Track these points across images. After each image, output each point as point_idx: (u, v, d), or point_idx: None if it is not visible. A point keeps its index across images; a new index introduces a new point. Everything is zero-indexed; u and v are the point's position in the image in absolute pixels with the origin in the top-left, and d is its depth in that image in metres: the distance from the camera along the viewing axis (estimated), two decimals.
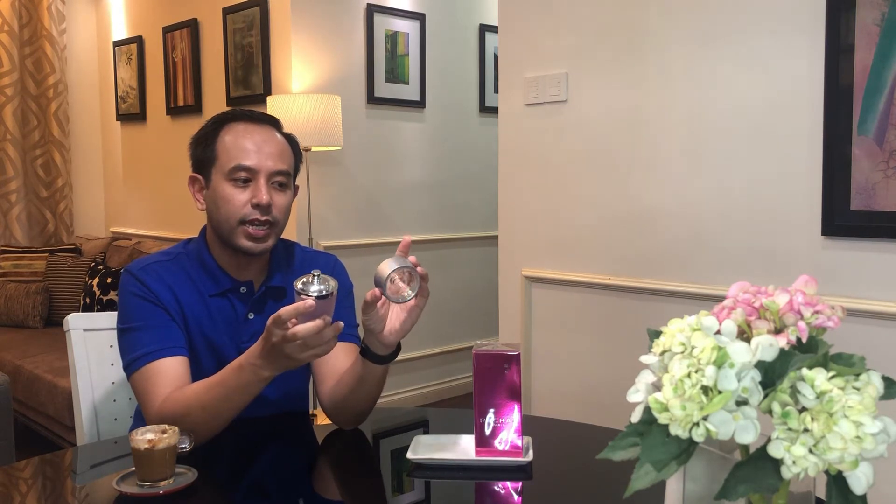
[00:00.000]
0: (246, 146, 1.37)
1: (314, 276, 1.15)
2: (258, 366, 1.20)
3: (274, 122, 1.45)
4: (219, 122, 1.42)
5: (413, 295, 1.21)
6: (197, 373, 1.35)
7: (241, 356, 1.23)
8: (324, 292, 1.14)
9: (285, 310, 1.13)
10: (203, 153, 1.41)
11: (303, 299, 1.13)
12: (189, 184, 1.45)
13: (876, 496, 0.70)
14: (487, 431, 1.20)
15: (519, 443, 1.20)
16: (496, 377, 1.19)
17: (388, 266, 1.18)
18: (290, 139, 1.46)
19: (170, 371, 1.32)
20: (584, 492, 1.18)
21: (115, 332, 1.66)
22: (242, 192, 1.36)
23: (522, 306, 2.59)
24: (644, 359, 0.69)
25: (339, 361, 1.41)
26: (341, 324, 1.17)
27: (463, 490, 1.21)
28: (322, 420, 1.45)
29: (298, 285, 1.15)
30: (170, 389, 1.30)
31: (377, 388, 1.36)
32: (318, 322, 1.13)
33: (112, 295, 3.75)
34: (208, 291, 1.41)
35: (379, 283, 1.18)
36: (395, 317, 1.26)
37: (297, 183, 1.48)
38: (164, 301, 1.37)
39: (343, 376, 1.37)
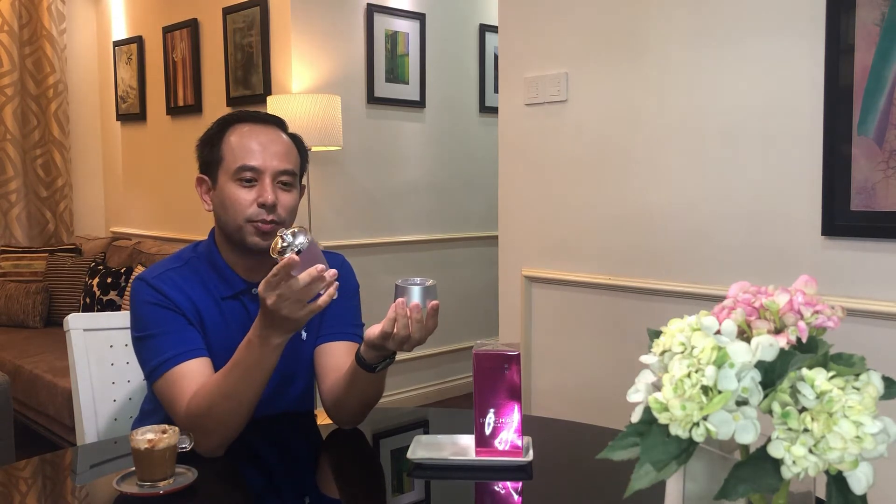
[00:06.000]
0: (251, 146, 1.38)
1: (292, 231, 1.16)
2: (266, 336, 1.21)
3: (279, 123, 1.46)
4: (225, 124, 1.43)
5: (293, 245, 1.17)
6: None
7: (248, 333, 1.24)
8: (305, 245, 1.15)
9: (274, 272, 1.15)
10: (209, 154, 1.42)
11: (283, 257, 1.14)
12: (196, 185, 1.45)
13: (876, 496, 0.70)
14: (487, 431, 1.20)
15: (519, 443, 1.20)
16: (496, 377, 1.19)
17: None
18: (296, 139, 1.46)
19: (194, 373, 1.31)
20: (584, 492, 1.18)
21: (114, 332, 1.68)
22: (248, 191, 1.37)
23: (522, 306, 2.59)
24: (644, 359, 0.69)
25: (340, 359, 1.42)
26: (322, 267, 1.17)
27: (463, 490, 1.21)
28: (322, 419, 1.45)
29: (278, 242, 1.16)
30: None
31: (372, 390, 1.36)
32: (306, 275, 1.15)
33: (112, 295, 3.75)
34: (221, 294, 1.41)
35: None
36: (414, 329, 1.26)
37: (303, 183, 1.48)
38: (181, 307, 1.37)
39: (341, 374, 1.37)
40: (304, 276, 1.15)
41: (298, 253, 1.15)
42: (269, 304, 1.17)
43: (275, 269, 1.15)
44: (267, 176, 1.37)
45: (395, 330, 1.22)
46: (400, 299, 1.22)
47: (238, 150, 1.38)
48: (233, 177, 1.37)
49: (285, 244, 1.15)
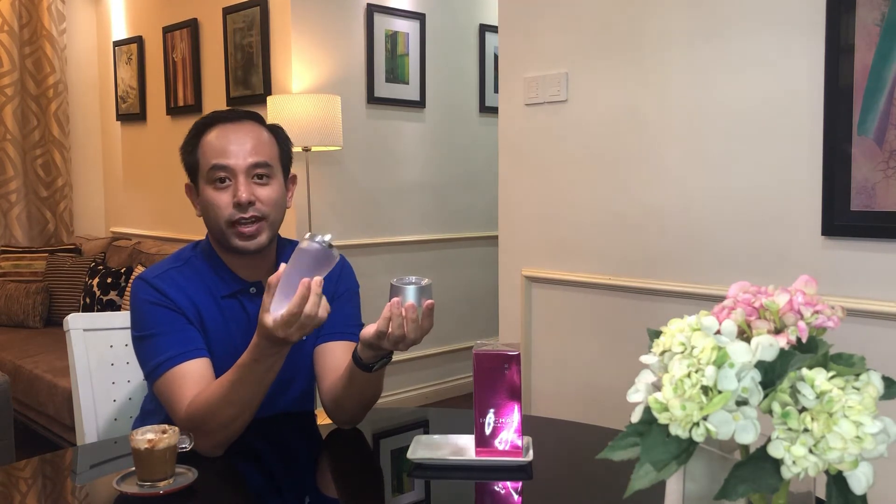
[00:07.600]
0: (221, 146, 1.37)
1: (310, 235, 1.17)
2: (275, 352, 1.21)
3: (253, 117, 1.44)
4: (199, 128, 1.42)
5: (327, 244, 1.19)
6: (216, 376, 1.35)
7: (252, 351, 1.22)
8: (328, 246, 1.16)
9: (287, 318, 1.15)
10: (190, 160, 1.42)
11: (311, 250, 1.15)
12: (186, 193, 1.46)
13: (876, 496, 0.70)
14: (487, 431, 1.20)
15: (519, 443, 1.20)
16: (496, 377, 1.19)
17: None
18: (275, 130, 1.45)
19: (195, 373, 1.31)
20: (584, 492, 1.18)
21: (114, 332, 1.68)
22: (224, 193, 1.36)
23: (522, 306, 2.59)
24: (644, 359, 0.69)
25: (339, 359, 1.41)
26: (319, 279, 1.17)
27: (463, 490, 1.21)
28: (322, 419, 1.45)
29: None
30: (196, 391, 1.29)
31: (370, 390, 1.36)
32: (315, 299, 1.15)
33: (112, 295, 3.75)
34: (220, 293, 1.41)
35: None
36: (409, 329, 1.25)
37: (294, 173, 1.47)
38: (181, 306, 1.37)
39: (340, 374, 1.37)
40: (314, 299, 1.15)
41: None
42: (294, 340, 1.18)
43: (287, 315, 1.15)
44: (240, 174, 1.36)
45: (389, 329, 1.21)
46: (395, 299, 1.21)
47: (209, 151, 1.38)
48: (208, 180, 1.37)
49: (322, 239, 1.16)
